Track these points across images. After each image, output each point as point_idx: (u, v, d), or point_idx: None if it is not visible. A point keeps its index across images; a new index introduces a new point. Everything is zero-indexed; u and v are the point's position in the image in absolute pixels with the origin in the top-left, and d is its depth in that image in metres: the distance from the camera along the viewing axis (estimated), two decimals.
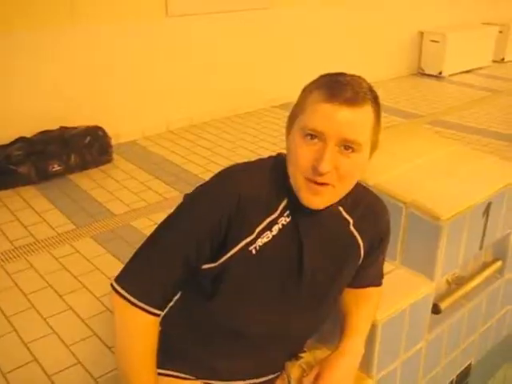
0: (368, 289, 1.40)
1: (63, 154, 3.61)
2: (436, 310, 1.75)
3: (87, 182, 3.60)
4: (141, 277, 1.17)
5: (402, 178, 1.79)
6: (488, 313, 2.12)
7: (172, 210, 1.21)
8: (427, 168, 1.88)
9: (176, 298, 1.27)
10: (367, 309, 1.38)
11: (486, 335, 2.19)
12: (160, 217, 1.25)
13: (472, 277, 1.93)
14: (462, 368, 2.14)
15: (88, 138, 3.74)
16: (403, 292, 1.61)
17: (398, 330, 1.60)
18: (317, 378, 1.28)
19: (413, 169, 1.86)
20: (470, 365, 2.18)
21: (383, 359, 1.59)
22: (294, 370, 1.36)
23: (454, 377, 2.11)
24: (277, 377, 1.37)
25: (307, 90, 1.14)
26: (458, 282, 1.89)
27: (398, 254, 1.72)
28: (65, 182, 3.58)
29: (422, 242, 1.66)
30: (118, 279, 1.18)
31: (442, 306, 1.76)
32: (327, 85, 1.10)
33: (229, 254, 1.15)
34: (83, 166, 3.72)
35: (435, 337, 1.83)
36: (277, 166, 1.20)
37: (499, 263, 2.05)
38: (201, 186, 1.22)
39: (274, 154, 1.28)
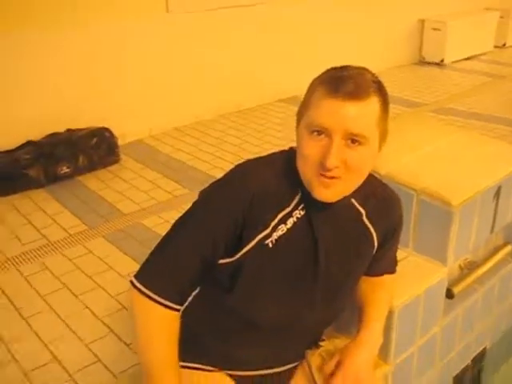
0: (383, 276, 1.42)
1: (71, 156, 3.63)
2: (449, 294, 1.77)
3: (96, 182, 3.62)
4: (159, 273, 1.19)
5: (411, 166, 1.80)
6: (501, 296, 2.13)
7: (182, 208, 1.23)
8: (436, 155, 1.89)
9: (195, 292, 1.29)
10: (384, 296, 1.40)
11: (500, 318, 2.21)
12: (170, 214, 1.27)
13: (484, 261, 1.95)
14: (477, 352, 2.15)
15: (95, 140, 3.76)
16: (417, 278, 1.63)
17: (413, 315, 1.62)
18: (337, 365, 1.30)
19: (422, 156, 1.87)
20: (484, 349, 2.19)
21: (400, 345, 1.61)
22: (314, 358, 1.38)
23: (470, 361, 2.13)
24: (297, 365, 1.39)
25: (312, 86, 1.15)
26: (470, 267, 1.91)
27: (411, 240, 1.74)
28: (74, 183, 3.61)
29: (434, 228, 1.68)
30: (137, 276, 1.20)
31: (455, 290, 1.78)
32: (330, 80, 1.11)
33: (245, 249, 1.17)
34: (91, 167, 3.74)
35: (450, 321, 1.85)
36: (289, 160, 1.21)
37: (510, 247, 2.07)
38: (215, 183, 1.23)
39: (280, 148, 1.29)
